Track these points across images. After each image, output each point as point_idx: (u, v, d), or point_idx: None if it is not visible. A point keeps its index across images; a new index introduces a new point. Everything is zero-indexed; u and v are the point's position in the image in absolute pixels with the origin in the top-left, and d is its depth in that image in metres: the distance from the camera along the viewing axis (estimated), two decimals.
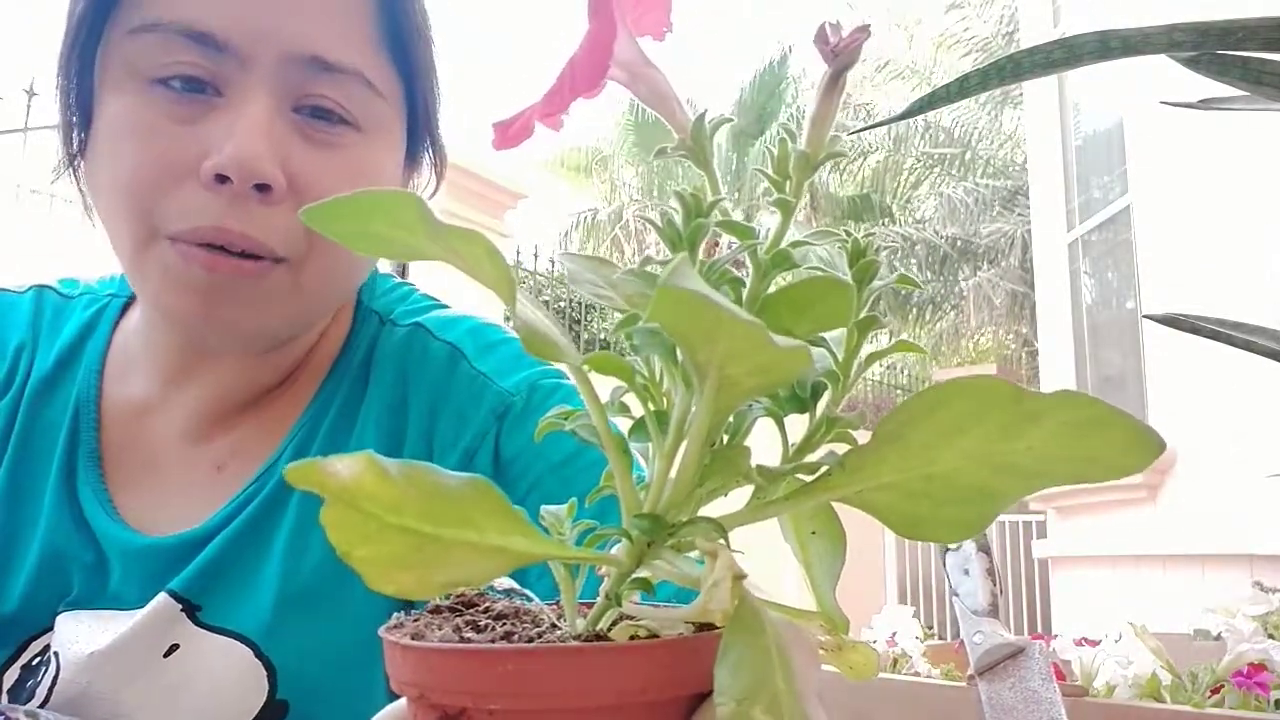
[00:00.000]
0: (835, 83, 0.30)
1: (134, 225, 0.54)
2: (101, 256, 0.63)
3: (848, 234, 0.31)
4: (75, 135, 0.58)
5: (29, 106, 4.12)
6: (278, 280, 0.55)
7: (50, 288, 0.70)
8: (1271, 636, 1.16)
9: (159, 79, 0.53)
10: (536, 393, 0.61)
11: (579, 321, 6.89)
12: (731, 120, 0.37)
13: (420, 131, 0.64)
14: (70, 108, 0.57)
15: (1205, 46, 0.49)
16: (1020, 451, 0.26)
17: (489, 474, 0.57)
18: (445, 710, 0.25)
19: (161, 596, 0.58)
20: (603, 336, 7.33)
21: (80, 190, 0.60)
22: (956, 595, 0.50)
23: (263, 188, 0.52)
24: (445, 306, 0.69)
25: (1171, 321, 0.62)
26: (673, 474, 0.28)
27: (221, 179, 0.52)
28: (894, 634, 1.66)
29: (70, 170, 0.59)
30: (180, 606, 0.58)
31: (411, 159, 0.65)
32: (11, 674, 0.59)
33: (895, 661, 1.63)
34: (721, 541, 0.27)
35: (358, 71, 0.56)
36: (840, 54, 0.29)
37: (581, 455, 0.58)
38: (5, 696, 0.58)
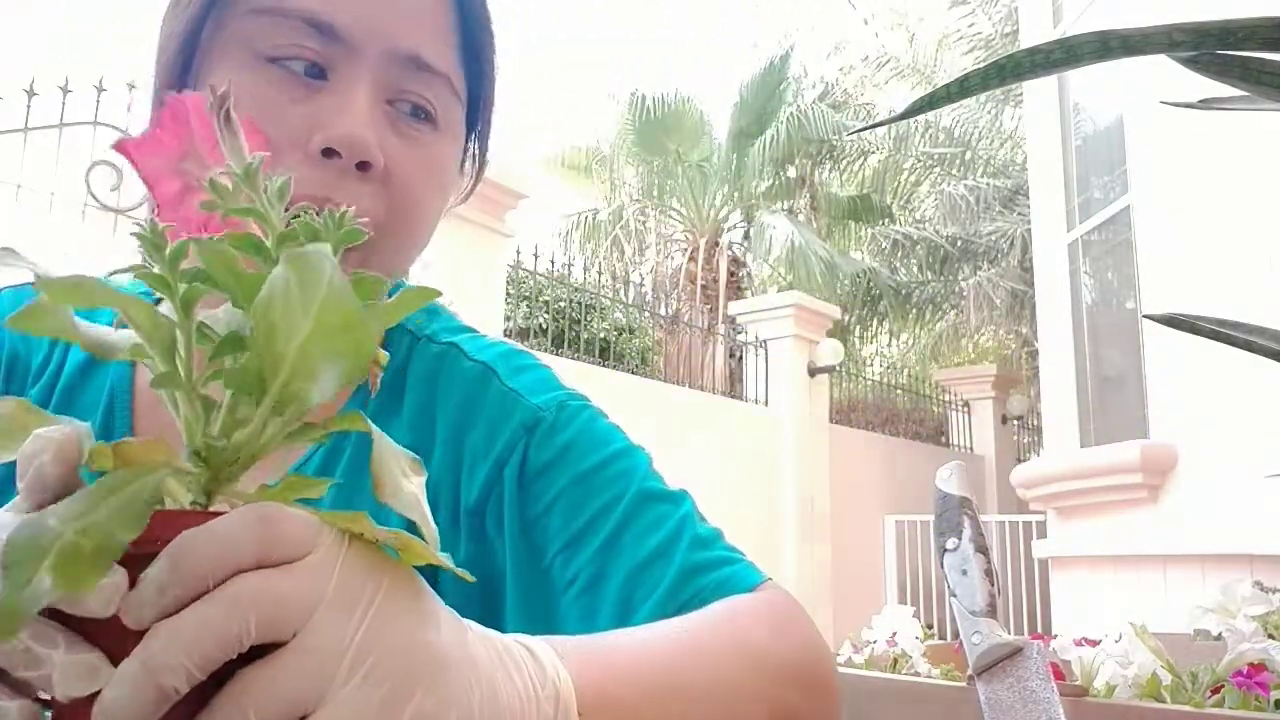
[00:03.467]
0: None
1: None
2: (100, 256, 0.63)
3: (314, 211, 0.35)
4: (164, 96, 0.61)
5: (29, 106, 4.12)
6: (353, 260, 0.58)
7: None
8: (1271, 636, 1.16)
9: (274, 58, 0.58)
10: (565, 410, 0.63)
11: (579, 321, 6.89)
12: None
13: (473, 135, 0.69)
14: (168, 74, 0.61)
15: (1205, 46, 0.49)
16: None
17: (515, 483, 0.59)
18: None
19: None
20: (603, 336, 7.33)
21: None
22: (955, 596, 0.50)
23: (363, 165, 0.57)
24: (476, 330, 0.72)
25: (1171, 321, 0.62)
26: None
27: (329, 154, 0.56)
28: (894, 634, 1.66)
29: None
30: None
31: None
32: None
33: (895, 661, 1.63)
34: None
35: (446, 75, 0.61)
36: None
37: (607, 467, 0.60)
38: None
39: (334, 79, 0.58)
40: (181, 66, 0.60)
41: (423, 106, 0.61)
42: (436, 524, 0.60)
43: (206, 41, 0.59)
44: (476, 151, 0.71)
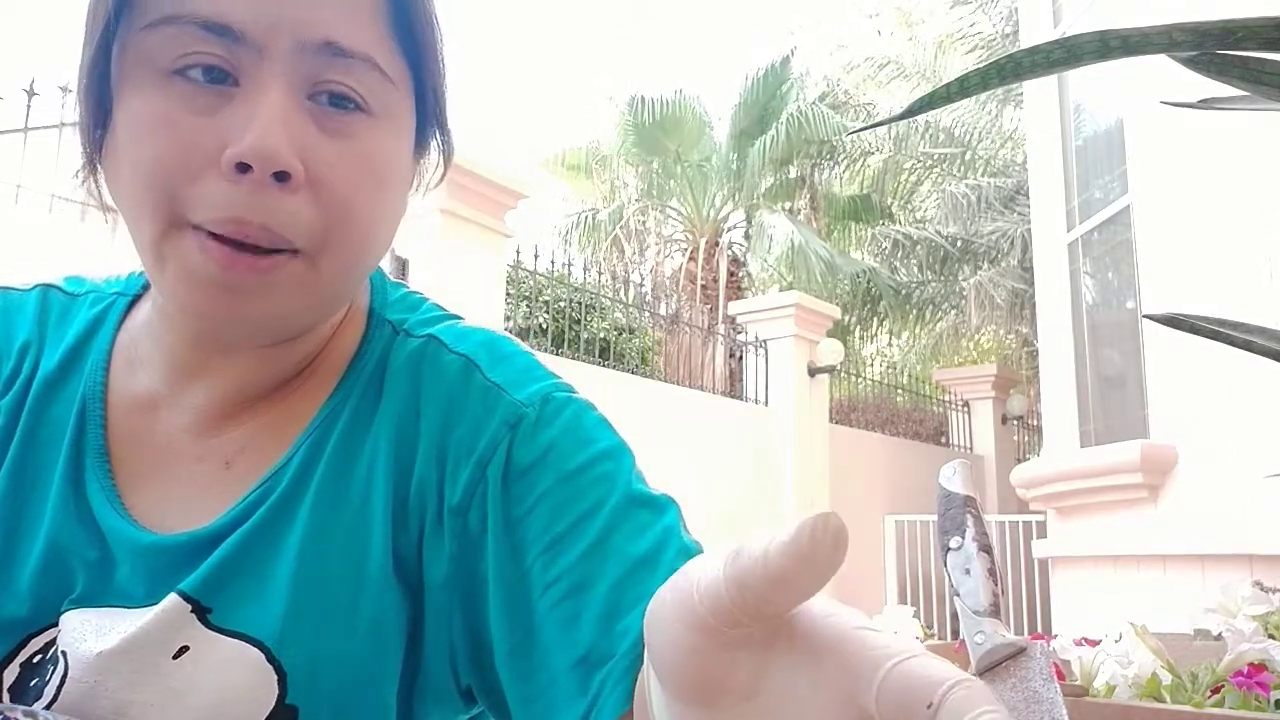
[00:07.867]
0: None
1: (156, 215, 0.54)
2: (99, 257, 0.63)
3: None
4: (95, 136, 0.58)
5: (29, 106, 4.12)
6: (292, 272, 0.56)
7: (55, 286, 0.71)
8: (1271, 636, 1.16)
9: (177, 70, 0.54)
10: (549, 404, 0.61)
11: (579, 321, 6.89)
12: None
13: (429, 119, 0.65)
14: (90, 109, 0.57)
15: (1205, 46, 0.49)
16: None
17: (499, 482, 0.57)
18: None
19: (172, 597, 0.57)
20: (603, 336, 7.32)
21: (98, 192, 0.60)
22: (958, 595, 0.50)
23: (282, 176, 0.53)
24: (457, 318, 0.69)
25: (1171, 321, 0.62)
26: None
27: (242, 168, 0.52)
28: (894, 634, 1.66)
29: (91, 172, 0.60)
30: (190, 608, 0.57)
31: (420, 146, 0.65)
32: (11, 671, 0.59)
33: None
34: None
35: (369, 56, 0.57)
36: None
37: (593, 467, 0.58)
38: (6, 695, 0.58)
39: (245, 83, 0.54)
40: (98, 101, 0.57)
41: (346, 95, 0.56)
42: (424, 524, 0.59)
43: (115, 70, 0.56)
44: (440, 136, 0.66)
